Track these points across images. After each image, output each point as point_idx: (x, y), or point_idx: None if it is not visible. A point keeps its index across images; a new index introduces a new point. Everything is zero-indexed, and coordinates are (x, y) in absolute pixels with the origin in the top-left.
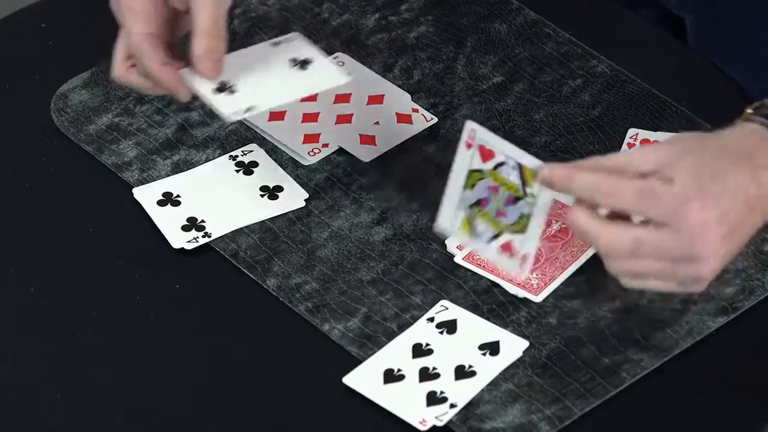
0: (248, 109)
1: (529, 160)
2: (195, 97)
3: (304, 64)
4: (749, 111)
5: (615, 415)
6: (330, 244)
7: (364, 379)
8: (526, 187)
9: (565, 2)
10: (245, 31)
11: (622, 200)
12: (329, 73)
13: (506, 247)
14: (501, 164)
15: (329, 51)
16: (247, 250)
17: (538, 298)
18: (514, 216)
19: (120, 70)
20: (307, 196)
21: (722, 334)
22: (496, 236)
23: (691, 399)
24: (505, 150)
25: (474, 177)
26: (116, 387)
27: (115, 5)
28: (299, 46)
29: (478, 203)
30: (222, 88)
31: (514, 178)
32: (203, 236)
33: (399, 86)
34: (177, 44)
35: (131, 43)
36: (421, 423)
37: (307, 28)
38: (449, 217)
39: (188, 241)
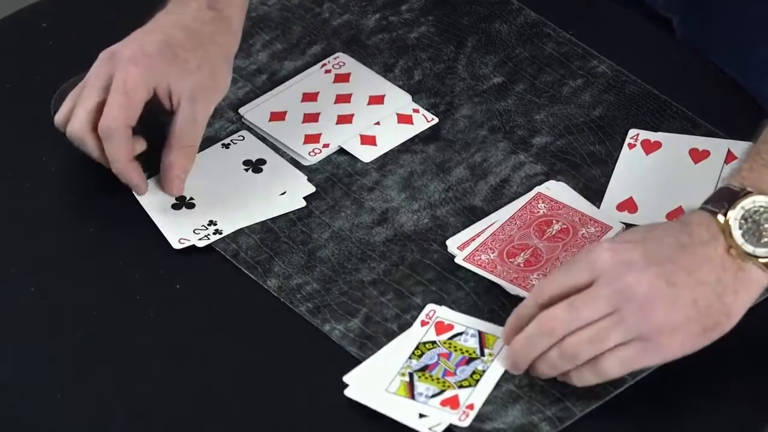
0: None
1: (492, 329)
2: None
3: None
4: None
5: (616, 416)
6: (331, 245)
7: (364, 388)
8: (485, 348)
9: (566, 2)
10: (246, 30)
11: (551, 285)
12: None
13: (449, 402)
14: (458, 334)
15: (330, 51)
16: (247, 250)
17: None
18: (465, 374)
19: (65, 119)
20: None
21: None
22: (438, 394)
23: (693, 399)
24: (468, 323)
25: (423, 348)
26: (116, 387)
27: (105, 62)
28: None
29: (424, 368)
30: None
31: (472, 343)
32: (214, 233)
33: (399, 86)
34: None
35: (106, 125)
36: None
37: (307, 28)
38: (376, 380)
39: (200, 239)
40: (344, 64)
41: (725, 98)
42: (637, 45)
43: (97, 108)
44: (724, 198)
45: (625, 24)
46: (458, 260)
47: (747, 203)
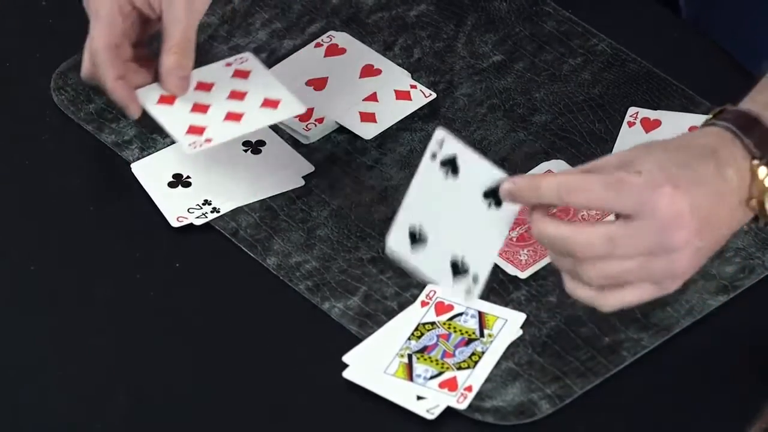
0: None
1: (492, 308)
2: (145, 114)
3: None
4: (709, 117)
5: (615, 394)
6: (330, 223)
7: (362, 369)
8: (485, 329)
9: None
10: (245, 9)
11: (590, 196)
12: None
13: (448, 384)
14: (458, 315)
15: (329, 29)
16: (247, 228)
17: (523, 275)
18: (464, 355)
19: (88, 71)
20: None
21: (722, 312)
22: (436, 375)
23: (692, 377)
24: (470, 304)
25: (423, 329)
26: (116, 366)
27: (85, 3)
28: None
29: (423, 350)
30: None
31: (471, 324)
32: (212, 211)
33: (399, 65)
34: (146, 42)
35: (91, 49)
36: None
37: (307, 6)
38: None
39: (197, 217)
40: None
41: (725, 76)
42: (636, 23)
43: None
44: (758, 136)
45: (625, 2)
46: None
47: None
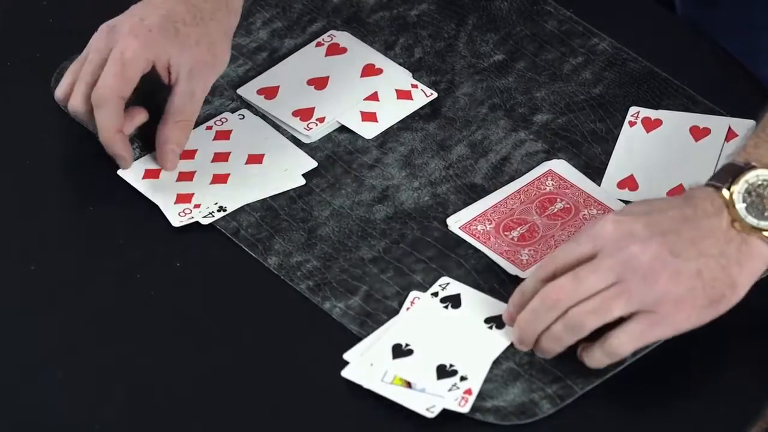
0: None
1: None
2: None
3: None
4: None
5: (616, 395)
6: (331, 223)
7: (360, 373)
8: None
9: None
10: (246, 9)
11: (556, 259)
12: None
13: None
14: None
15: (330, 29)
16: (248, 228)
17: (524, 274)
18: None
19: (65, 93)
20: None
21: (724, 313)
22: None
23: (693, 377)
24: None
25: None
26: (116, 366)
27: (104, 35)
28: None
29: None
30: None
31: None
32: (219, 210)
33: (400, 64)
34: None
35: (99, 93)
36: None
37: (308, 5)
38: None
39: (204, 216)
40: (335, 36)
41: (726, 76)
42: (637, 23)
43: (89, 76)
44: (728, 173)
45: (626, 2)
46: (453, 227)
47: (751, 177)
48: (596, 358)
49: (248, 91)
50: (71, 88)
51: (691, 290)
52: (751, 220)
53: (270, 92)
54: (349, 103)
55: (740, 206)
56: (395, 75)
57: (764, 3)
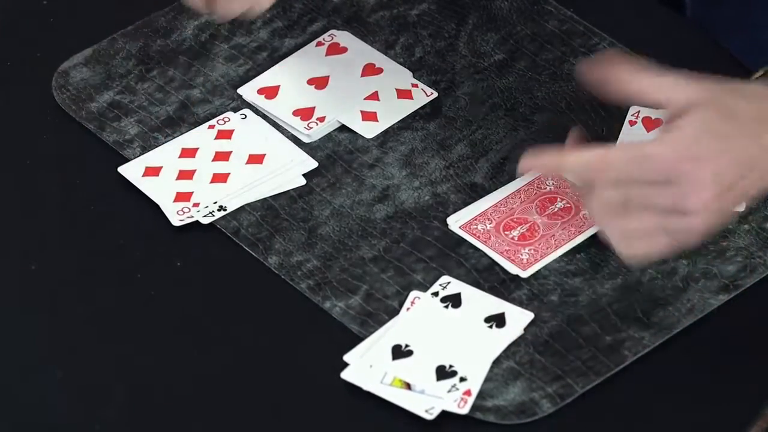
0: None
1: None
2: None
3: None
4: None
5: (616, 393)
6: (331, 222)
7: (360, 375)
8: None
9: None
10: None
11: (611, 175)
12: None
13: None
14: None
15: (330, 28)
16: (248, 227)
17: (525, 274)
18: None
19: None
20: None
21: (723, 312)
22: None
23: (693, 377)
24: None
25: None
26: (116, 365)
27: None
28: None
29: None
30: None
31: None
32: (219, 209)
33: (401, 64)
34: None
35: None
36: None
37: (308, 5)
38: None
39: (204, 216)
40: (336, 36)
41: (727, 76)
42: (638, 22)
43: None
44: None
45: (626, 1)
46: (453, 227)
47: None
48: (612, 232)
49: (248, 91)
50: None
51: (716, 223)
52: None
53: (270, 92)
54: (349, 102)
55: None
56: (396, 74)
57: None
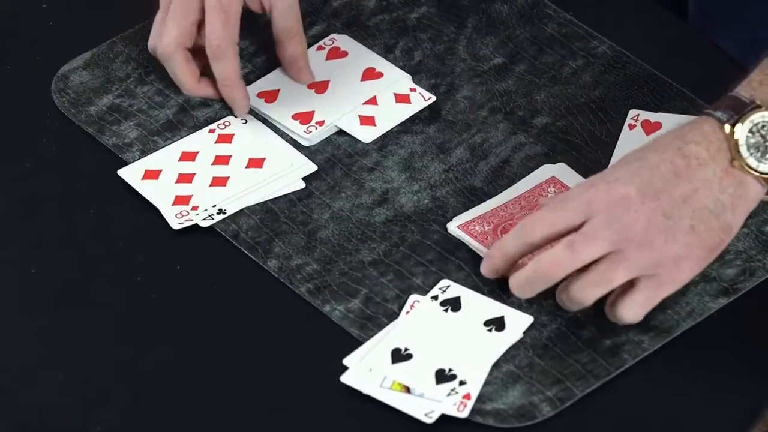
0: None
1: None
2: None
3: None
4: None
5: (616, 397)
6: (331, 225)
7: (360, 379)
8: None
9: None
10: (247, 11)
11: (544, 223)
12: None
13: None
14: None
15: (330, 32)
16: (248, 231)
17: None
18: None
19: (173, 43)
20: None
21: (723, 315)
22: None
23: (692, 380)
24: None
25: None
26: (116, 368)
27: None
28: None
29: None
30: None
31: None
32: (218, 213)
33: (400, 67)
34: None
35: (216, 44)
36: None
37: (308, 9)
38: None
39: (204, 219)
40: (336, 40)
41: (726, 79)
42: (637, 25)
43: (190, 27)
44: (732, 107)
45: (626, 4)
46: (451, 228)
47: (756, 117)
48: (617, 319)
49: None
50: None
51: (688, 246)
52: (752, 162)
53: (270, 95)
54: (348, 107)
55: (743, 147)
56: (394, 79)
57: None
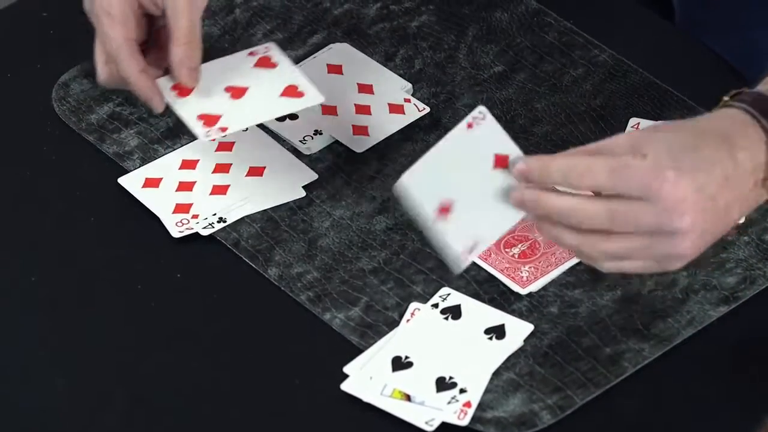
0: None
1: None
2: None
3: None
4: (726, 99)
5: (616, 405)
6: (331, 234)
7: (360, 387)
8: None
9: None
10: (247, 20)
11: (595, 178)
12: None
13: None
14: None
15: (331, 40)
16: (248, 239)
17: (523, 291)
18: None
19: (105, 74)
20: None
21: (723, 323)
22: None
23: (693, 388)
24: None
25: None
26: (116, 375)
27: (88, 6)
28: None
29: None
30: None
31: None
32: (218, 221)
33: (401, 76)
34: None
35: (109, 48)
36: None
37: (308, 17)
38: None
39: (204, 227)
40: (269, 48)
41: (726, 87)
42: (638, 34)
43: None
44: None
45: (626, 13)
46: None
47: None
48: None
49: None
50: (105, 68)
51: (701, 247)
52: None
53: (184, 90)
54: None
55: None
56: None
57: (761, 2)
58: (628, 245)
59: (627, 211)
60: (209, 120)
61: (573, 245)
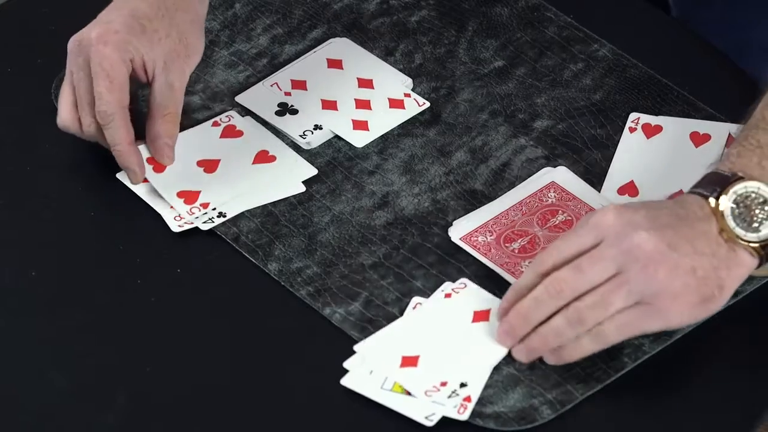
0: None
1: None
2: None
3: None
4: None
5: (616, 400)
6: (331, 228)
7: (360, 381)
8: None
9: None
10: (246, 15)
11: (554, 252)
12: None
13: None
14: None
15: (330, 35)
16: (248, 234)
17: None
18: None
19: (69, 120)
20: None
21: (723, 319)
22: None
23: (693, 384)
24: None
25: None
26: (117, 371)
27: (75, 50)
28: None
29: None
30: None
31: None
32: (218, 216)
33: (401, 70)
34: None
35: (103, 110)
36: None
37: (308, 12)
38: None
39: (204, 222)
40: (232, 117)
41: (726, 82)
42: (638, 29)
43: (85, 96)
44: (714, 182)
45: (626, 8)
46: (454, 238)
47: (739, 188)
48: (584, 346)
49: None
50: (73, 113)
51: (685, 286)
52: (739, 231)
53: (159, 165)
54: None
55: (728, 217)
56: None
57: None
58: (606, 288)
59: (590, 256)
60: (189, 197)
61: (559, 323)
